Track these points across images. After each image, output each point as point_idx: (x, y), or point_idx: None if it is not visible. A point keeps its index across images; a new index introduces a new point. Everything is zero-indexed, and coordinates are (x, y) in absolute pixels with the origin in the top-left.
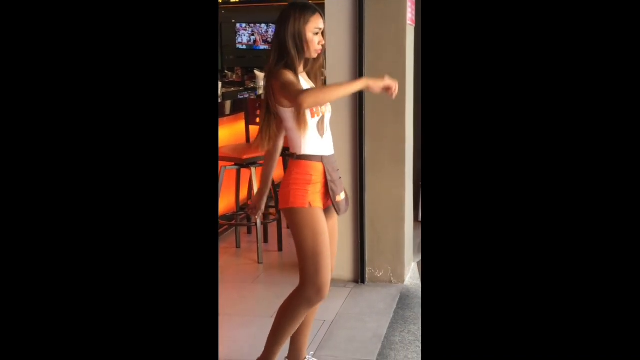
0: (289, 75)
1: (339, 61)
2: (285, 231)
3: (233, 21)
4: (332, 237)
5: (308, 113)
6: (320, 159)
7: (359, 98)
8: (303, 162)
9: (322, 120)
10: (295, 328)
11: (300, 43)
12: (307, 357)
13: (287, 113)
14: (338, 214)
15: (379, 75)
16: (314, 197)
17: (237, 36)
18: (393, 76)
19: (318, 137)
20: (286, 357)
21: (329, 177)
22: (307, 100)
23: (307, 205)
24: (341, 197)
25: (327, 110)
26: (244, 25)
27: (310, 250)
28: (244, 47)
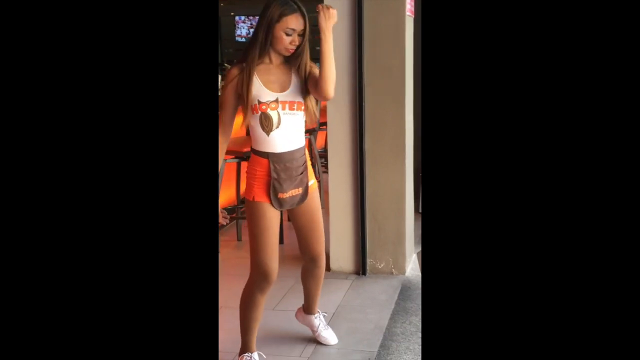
0: (229, 86)
1: (338, 52)
2: (285, 224)
3: (232, 14)
4: (304, 227)
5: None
6: (267, 155)
7: (358, 90)
8: (253, 155)
9: (266, 117)
10: (257, 313)
11: (265, 38)
12: (318, 313)
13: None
14: (277, 208)
15: (378, 67)
16: (258, 192)
17: (236, 29)
18: (392, 68)
19: (262, 134)
20: (302, 305)
21: (273, 175)
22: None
23: (251, 198)
24: (289, 193)
25: (280, 108)
26: (242, 18)
27: (254, 241)
28: (243, 39)
